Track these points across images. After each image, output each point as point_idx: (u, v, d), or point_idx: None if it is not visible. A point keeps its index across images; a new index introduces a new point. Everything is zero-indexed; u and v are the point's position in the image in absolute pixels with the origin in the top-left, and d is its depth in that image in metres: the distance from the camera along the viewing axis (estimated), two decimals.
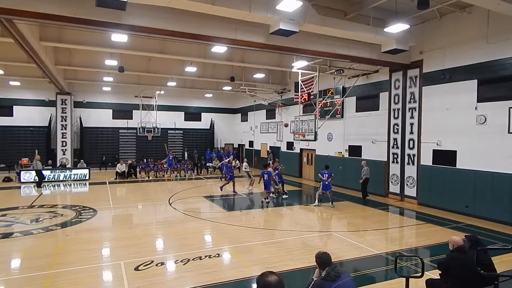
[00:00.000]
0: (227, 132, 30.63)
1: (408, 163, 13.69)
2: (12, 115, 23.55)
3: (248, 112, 28.21)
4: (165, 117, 26.47)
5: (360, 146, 16.42)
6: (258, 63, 17.65)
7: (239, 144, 30.30)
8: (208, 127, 29.80)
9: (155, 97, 24.17)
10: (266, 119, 25.50)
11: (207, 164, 23.95)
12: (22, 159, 21.54)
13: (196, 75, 20.36)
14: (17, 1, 8.08)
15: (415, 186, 13.40)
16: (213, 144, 29.44)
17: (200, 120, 29.58)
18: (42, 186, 17.38)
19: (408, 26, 10.45)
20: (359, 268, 6.96)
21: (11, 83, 21.96)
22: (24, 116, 23.67)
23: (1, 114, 23.16)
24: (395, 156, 14.25)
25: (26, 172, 19.10)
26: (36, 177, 17.74)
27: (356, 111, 16.83)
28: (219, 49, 13.18)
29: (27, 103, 23.80)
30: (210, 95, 28.25)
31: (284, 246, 8.23)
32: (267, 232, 9.48)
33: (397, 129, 14.12)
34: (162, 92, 24.39)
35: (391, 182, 14.49)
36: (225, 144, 30.56)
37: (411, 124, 13.52)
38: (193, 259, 7.17)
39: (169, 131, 27.78)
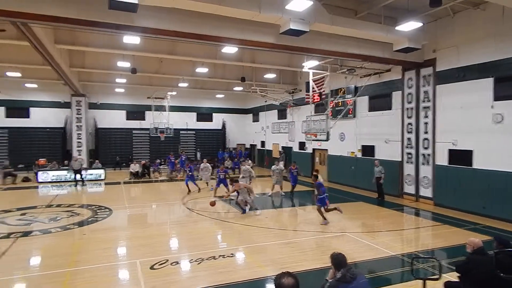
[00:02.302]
0: (238, 132, 30.70)
1: (423, 163, 13.47)
2: (28, 117, 24.19)
3: (259, 112, 28.21)
4: (177, 118, 26.65)
5: (373, 146, 16.23)
6: (268, 63, 17.64)
7: (251, 144, 30.34)
8: (220, 128, 29.95)
9: (167, 98, 24.41)
10: (278, 119, 25.46)
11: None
12: (40, 159, 22.06)
13: (207, 76, 20.48)
14: (32, 5, 8.23)
15: (431, 187, 13.17)
16: (225, 145, 29.55)
17: (212, 121, 29.75)
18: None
19: (421, 24, 10.30)
20: (375, 269, 6.90)
21: (28, 85, 22.52)
22: (40, 118, 24.27)
23: (18, 115, 23.82)
24: (409, 156, 14.05)
25: (44, 173, 19.59)
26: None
27: (368, 111, 16.65)
28: (230, 49, 13.23)
29: (43, 104, 24.40)
30: (222, 96, 28.37)
31: (297, 247, 8.22)
32: (280, 233, 9.47)
33: (411, 128, 13.91)
34: (174, 93, 24.60)
35: (406, 182, 14.27)
36: (236, 144, 30.65)
37: (425, 124, 13.30)
38: (207, 259, 7.23)
39: (181, 132, 28.00)
